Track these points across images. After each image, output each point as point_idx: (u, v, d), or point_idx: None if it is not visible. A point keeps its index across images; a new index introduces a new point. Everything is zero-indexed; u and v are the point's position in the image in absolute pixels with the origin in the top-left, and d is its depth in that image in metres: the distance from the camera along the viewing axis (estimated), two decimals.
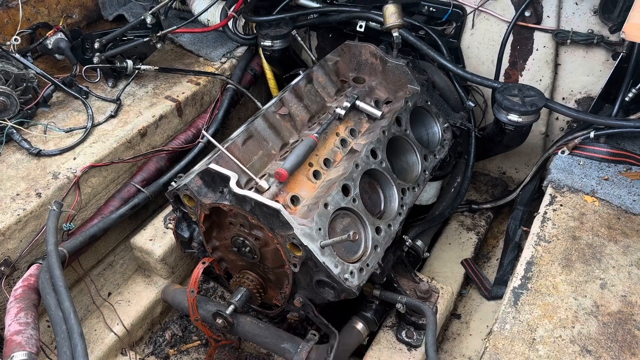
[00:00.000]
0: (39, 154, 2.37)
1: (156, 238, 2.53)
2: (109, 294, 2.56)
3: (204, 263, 2.14)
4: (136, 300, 2.51)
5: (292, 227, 1.77)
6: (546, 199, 2.31)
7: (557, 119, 2.97)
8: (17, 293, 1.93)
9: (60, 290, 1.83)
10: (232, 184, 1.84)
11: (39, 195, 2.20)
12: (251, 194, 1.81)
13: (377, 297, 2.13)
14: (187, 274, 2.70)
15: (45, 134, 2.49)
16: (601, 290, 1.94)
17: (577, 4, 2.62)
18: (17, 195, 2.20)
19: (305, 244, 1.77)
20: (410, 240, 2.31)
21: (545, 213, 2.23)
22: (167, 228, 2.45)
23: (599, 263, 2.03)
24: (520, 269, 2.02)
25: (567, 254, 2.07)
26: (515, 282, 1.98)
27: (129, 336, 2.42)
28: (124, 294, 2.54)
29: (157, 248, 2.50)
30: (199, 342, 2.53)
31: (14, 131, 2.40)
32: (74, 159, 2.38)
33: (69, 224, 2.27)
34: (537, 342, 1.79)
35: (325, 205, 1.89)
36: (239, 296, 2.07)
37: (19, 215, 2.12)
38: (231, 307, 2.03)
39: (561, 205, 2.27)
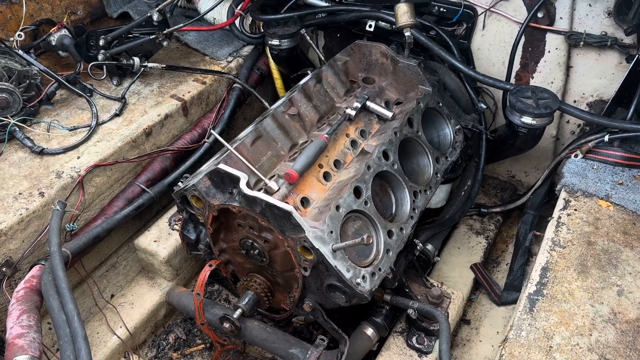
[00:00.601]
0: (42, 153, 2.32)
1: (161, 239, 2.48)
2: (112, 296, 2.51)
3: (210, 266, 2.09)
4: (140, 302, 2.46)
5: (304, 229, 1.72)
6: (560, 204, 2.26)
7: (567, 122, 2.93)
8: (19, 295, 1.87)
9: (63, 293, 1.77)
10: (242, 185, 1.80)
11: (42, 194, 2.15)
12: (262, 195, 1.77)
13: (388, 302, 2.09)
14: (191, 276, 2.65)
15: (48, 132, 2.43)
16: (618, 297, 1.89)
17: (590, 6, 2.58)
18: (20, 194, 2.15)
19: (317, 247, 1.72)
20: (421, 244, 2.26)
21: (560, 218, 2.19)
22: (173, 229, 2.40)
23: (615, 269, 1.99)
24: (535, 274, 1.97)
25: (583, 259, 2.02)
26: (530, 288, 1.93)
27: (132, 339, 2.36)
28: (127, 296, 2.49)
29: (162, 249, 2.45)
30: (203, 345, 2.48)
31: (17, 129, 2.35)
32: (78, 158, 2.33)
33: (72, 224, 2.22)
34: (554, 350, 1.74)
35: (337, 207, 1.85)
36: (246, 300, 2.03)
37: (21, 215, 2.07)
38: (238, 311, 1.98)
39: (575, 209, 2.22)
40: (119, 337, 2.31)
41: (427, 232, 2.53)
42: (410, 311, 2.03)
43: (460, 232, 2.91)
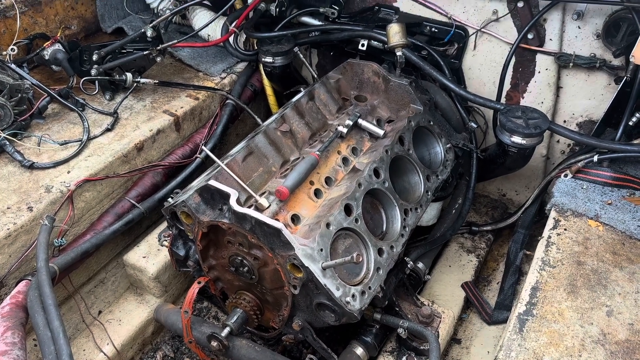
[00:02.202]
0: (31, 167, 2.30)
1: (150, 255, 2.46)
2: (100, 312, 2.48)
3: (199, 283, 2.08)
4: (127, 319, 2.43)
5: (294, 247, 1.71)
6: (550, 223, 2.27)
7: (557, 141, 2.96)
8: (4, 311, 1.85)
9: (49, 309, 1.76)
10: (232, 202, 1.79)
11: (30, 209, 2.14)
12: (252, 212, 1.76)
13: (378, 321, 2.08)
14: (180, 293, 2.63)
15: (39, 146, 2.42)
16: (608, 318, 1.89)
17: (579, 28, 2.62)
18: (8, 208, 2.13)
19: (306, 265, 1.72)
20: (411, 263, 2.26)
21: (549, 237, 2.19)
22: (162, 245, 2.38)
23: (605, 289, 1.99)
24: (525, 294, 1.97)
25: (572, 279, 2.02)
26: (520, 307, 1.93)
27: (119, 356, 2.33)
28: (114, 313, 2.46)
29: (151, 266, 2.43)
30: None
31: (7, 143, 2.34)
32: (68, 172, 2.32)
33: (61, 239, 2.20)
34: None
35: (328, 225, 1.84)
36: (234, 318, 2.01)
37: (8, 229, 2.05)
38: (227, 329, 1.96)
39: (565, 229, 2.23)
40: (105, 354, 2.28)
41: (418, 250, 2.52)
42: (400, 330, 2.02)
43: (452, 250, 2.91)
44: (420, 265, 2.49)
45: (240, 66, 3.21)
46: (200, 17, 3.19)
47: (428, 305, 2.27)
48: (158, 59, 2.79)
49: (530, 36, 2.70)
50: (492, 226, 2.99)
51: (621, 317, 1.89)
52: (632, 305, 1.92)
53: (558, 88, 2.81)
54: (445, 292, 2.66)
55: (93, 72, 2.69)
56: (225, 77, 3.12)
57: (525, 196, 3.08)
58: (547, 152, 2.99)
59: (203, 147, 2.40)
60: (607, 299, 1.95)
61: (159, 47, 2.74)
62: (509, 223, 2.91)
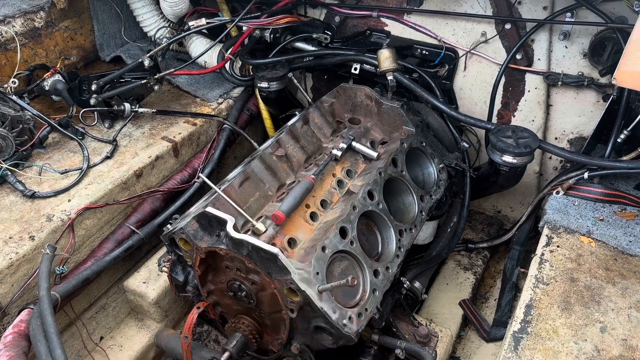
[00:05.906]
0: (33, 196, 2.35)
1: (150, 281, 2.49)
2: (101, 338, 2.50)
3: (198, 308, 2.10)
4: (129, 344, 2.46)
5: (290, 271, 1.75)
6: (543, 240, 2.30)
7: (550, 158, 3.00)
8: (6, 340, 1.87)
9: (51, 338, 1.78)
10: (229, 228, 1.83)
11: (32, 238, 2.17)
12: (248, 237, 1.80)
13: (376, 342, 2.10)
14: (180, 318, 2.65)
15: (40, 175, 2.47)
16: (601, 334, 1.91)
17: (567, 47, 2.69)
18: (10, 238, 2.17)
19: (302, 289, 1.75)
20: (408, 282, 2.29)
21: (543, 254, 2.23)
22: (161, 271, 2.41)
23: (598, 305, 2.01)
24: (519, 312, 2.00)
25: (566, 296, 2.05)
26: (514, 325, 1.95)
27: None
28: (116, 339, 2.49)
29: (151, 291, 2.46)
30: None
31: (9, 173, 2.39)
32: (69, 200, 2.36)
33: (62, 267, 2.24)
34: None
35: (323, 248, 1.88)
36: (234, 342, 2.03)
37: (11, 259, 2.09)
38: (226, 354, 1.98)
39: (558, 246, 2.26)
40: None
41: (415, 269, 2.55)
42: (398, 351, 2.04)
43: (449, 268, 2.94)
44: (417, 284, 2.51)
45: (237, 91, 3.27)
46: (196, 45, 3.26)
47: (425, 324, 2.29)
48: (156, 87, 2.85)
49: (518, 56, 2.76)
50: (488, 243, 3.02)
51: (615, 333, 1.91)
52: (626, 321, 1.95)
53: (548, 106, 2.87)
54: (443, 310, 2.68)
55: (92, 101, 2.75)
56: (222, 103, 3.18)
57: (520, 212, 3.12)
58: (540, 169, 3.04)
59: (200, 174, 2.43)
60: (600, 315, 1.97)
61: (156, 76, 2.80)
62: (505, 240, 2.94)
